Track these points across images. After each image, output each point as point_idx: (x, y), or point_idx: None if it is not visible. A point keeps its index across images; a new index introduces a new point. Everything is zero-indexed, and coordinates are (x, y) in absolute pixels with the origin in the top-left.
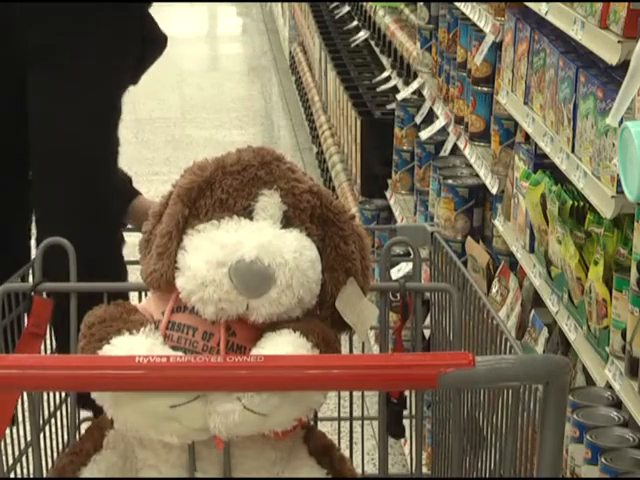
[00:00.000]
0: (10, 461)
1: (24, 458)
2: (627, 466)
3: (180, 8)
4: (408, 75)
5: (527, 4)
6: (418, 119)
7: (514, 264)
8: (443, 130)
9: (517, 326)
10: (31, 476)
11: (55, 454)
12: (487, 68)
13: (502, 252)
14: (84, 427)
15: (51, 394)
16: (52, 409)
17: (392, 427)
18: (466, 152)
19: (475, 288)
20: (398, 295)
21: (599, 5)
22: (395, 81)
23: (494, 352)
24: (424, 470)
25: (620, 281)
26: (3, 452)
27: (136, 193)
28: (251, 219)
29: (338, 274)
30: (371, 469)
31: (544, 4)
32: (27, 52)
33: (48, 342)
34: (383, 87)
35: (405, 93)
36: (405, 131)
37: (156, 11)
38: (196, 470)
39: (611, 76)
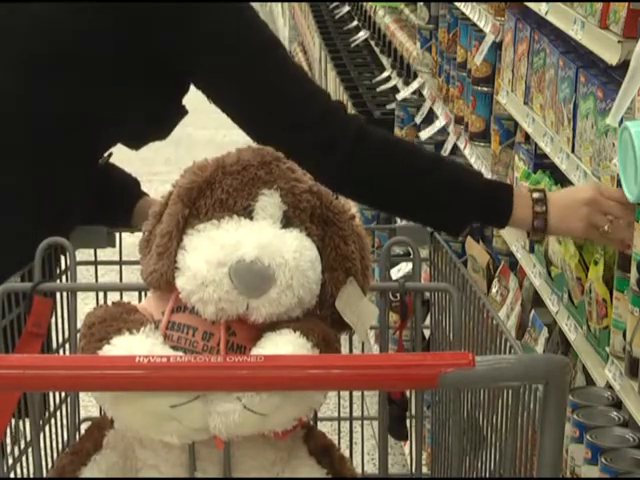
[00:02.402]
0: (10, 461)
1: (24, 458)
2: (627, 466)
3: None
4: (408, 75)
5: (527, 4)
6: (418, 119)
7: (514, 264)
8: (443, 130)
9: (517, 326)
10: (31, 476)
11: (55, 454)
12: (487, 68)
13: (502, 252)
14: (84, 427)
15: (51, 394)
16: (52, 409)
17: (395, 428)
18: (466, 152)
19: (475, 288)
20: (398, 295)
21: (599, 5)
22: (395, 81)
23: (494, 352)
24: (424, 470)
25: (621, 281)
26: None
27: (142, 194)
28: (251, 219)
29: (338, 274)
30: (371, 469)
31: (544, 4)
32: None
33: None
34: (383, 87)
35: (405, 93)
36: (405, 131)
37: None
38: (196, 470)
39: (611, 76)
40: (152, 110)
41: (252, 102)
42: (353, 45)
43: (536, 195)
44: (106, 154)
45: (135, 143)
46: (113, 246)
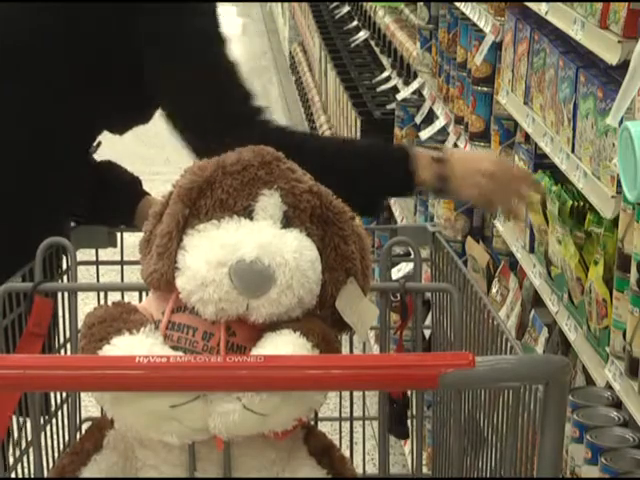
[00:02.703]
0: (11, 461)
1: (24, 458)
2: (627, 466)
3: None
4: (408, 75)
5: (527, 4)
6: (418, 119)
7: (514, 264)
8: (443, 130)
9: (517, 326)
10: (31, 476)
11: (56, 454)
12: (487, 68)
13: (502, 252)
14: (85, 427)
15: (52, 394)
16: (53, 409)
17: (396, 427)
18: None
19: (476, 288)
20: (398, 295)
21: (599, 5)
22: (395, 81)
23: (494, 352)
24: (424, 470)
25: (620, 281)
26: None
27: (144, 194)
28: (251, 219)
29: (338, 274)
30: (371, 469)
31: (544, 4)
32: None
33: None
34: (383, 87)
35: (405, 93)
36: (405, 131)
37: None
38: (196, 470)
39: (611, 76)
40: (132, 96)
41: (188, 94)
42: (353, 45)
43: (436, 155)
44: (95, 143)
45: (118, 129)
46: (114, 246)
